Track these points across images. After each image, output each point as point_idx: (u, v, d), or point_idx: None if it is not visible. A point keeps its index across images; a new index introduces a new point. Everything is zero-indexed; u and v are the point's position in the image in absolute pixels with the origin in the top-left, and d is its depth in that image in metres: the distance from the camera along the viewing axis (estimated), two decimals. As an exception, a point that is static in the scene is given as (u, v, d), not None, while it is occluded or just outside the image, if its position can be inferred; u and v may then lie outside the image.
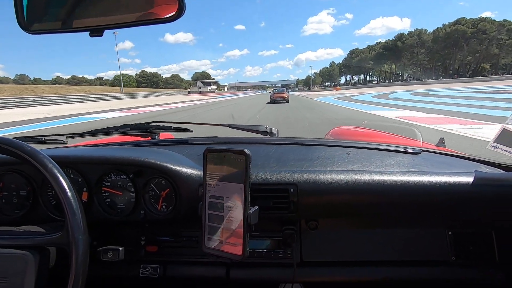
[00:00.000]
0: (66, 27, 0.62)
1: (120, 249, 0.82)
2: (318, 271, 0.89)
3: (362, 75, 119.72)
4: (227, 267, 0.89)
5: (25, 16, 0.63)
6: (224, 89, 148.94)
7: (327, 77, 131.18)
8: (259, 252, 0.88)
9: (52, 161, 0.62)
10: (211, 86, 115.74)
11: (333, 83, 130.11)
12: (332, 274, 0.88)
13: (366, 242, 0.89)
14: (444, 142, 1.35)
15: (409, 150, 0.99)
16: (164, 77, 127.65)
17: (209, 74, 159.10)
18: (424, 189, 0.76)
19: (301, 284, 1.09)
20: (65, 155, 0.88)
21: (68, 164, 0.85)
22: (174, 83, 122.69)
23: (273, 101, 22.00)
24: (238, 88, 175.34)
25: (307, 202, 0.78)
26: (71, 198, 0.59)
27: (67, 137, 1.16)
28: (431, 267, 0.86)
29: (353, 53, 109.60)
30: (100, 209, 0.86)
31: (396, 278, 0.86)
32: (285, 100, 21.64)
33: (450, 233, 0.86)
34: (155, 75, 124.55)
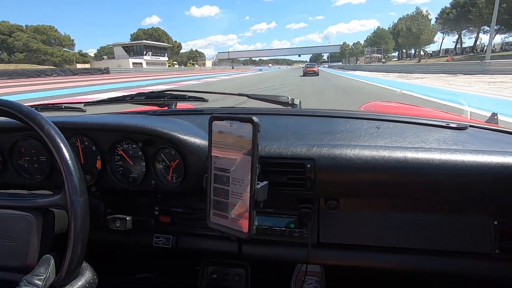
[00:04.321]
0: None
1: (128, 218, 0.83)
2: (336, 254, 0.83)
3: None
4: (239, 243, 0.87)
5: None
6: (204, 65, 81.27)
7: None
8: (273, 229, 0.85)
9: (50, 122, 0.59)
10: (145, 57, 48.67)
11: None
12: (352, 258, 0.82)
13: (393, 226, 0.80)
14: (497, 117, 1.18)
15: (452, 125, 0.86)
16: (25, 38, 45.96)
17: (164, 32, 72.11)
18: (468, 171, 0.65)
19: (321, 266, 1.03)
20: (75, 121, 0.87)
21: (79, 130, 0.86)
22: (38, 51, 45.99)
23: (305, 74, 26.81)
24: (237, 62, 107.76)
25: (326, 179, 0.71)
26: (68, 158, 0.56)
27: (84, 105, 1.18)
28: (469, 259, 0.76)
29: None
30: (113, 177, 0.86)
31: (426, 268, 0.77)
32: (315, 74, 26.71)
33: (495, 222, 0.75)
34: (18, 30, 46.26)
